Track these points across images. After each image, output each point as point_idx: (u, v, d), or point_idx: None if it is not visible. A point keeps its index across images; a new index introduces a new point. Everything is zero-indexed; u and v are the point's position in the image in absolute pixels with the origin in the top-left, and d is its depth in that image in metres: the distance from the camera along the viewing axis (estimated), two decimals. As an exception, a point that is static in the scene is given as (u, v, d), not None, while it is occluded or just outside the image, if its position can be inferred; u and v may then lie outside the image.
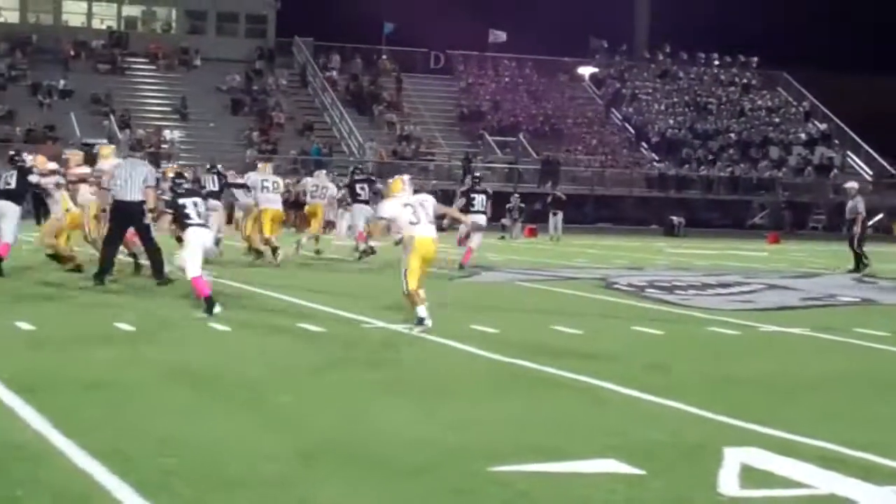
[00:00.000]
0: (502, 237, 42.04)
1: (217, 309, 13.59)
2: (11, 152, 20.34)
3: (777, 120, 68.03)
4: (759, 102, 69.43)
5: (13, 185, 18.02)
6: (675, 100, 68.38)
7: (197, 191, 16.05)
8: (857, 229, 26.33)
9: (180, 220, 14.49)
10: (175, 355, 10.79)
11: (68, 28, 62.46)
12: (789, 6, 70.57)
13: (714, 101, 68.74)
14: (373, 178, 29.81)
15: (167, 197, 15.76)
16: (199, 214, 14.40)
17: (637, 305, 17.27)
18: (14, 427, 7.47)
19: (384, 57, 65.49)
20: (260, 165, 25.94)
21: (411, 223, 13.60)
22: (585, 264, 26.87)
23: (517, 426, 8.03)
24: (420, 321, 13.21)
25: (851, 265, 26.25)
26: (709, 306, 17.24)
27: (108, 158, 19.16)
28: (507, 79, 67.42)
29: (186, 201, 14.43)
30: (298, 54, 64.47)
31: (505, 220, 44.15)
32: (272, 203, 23.44)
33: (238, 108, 58.97)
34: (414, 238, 13.44)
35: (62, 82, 56.90)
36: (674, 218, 52.03)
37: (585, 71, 67.43)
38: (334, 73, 63.36)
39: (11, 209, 18.06)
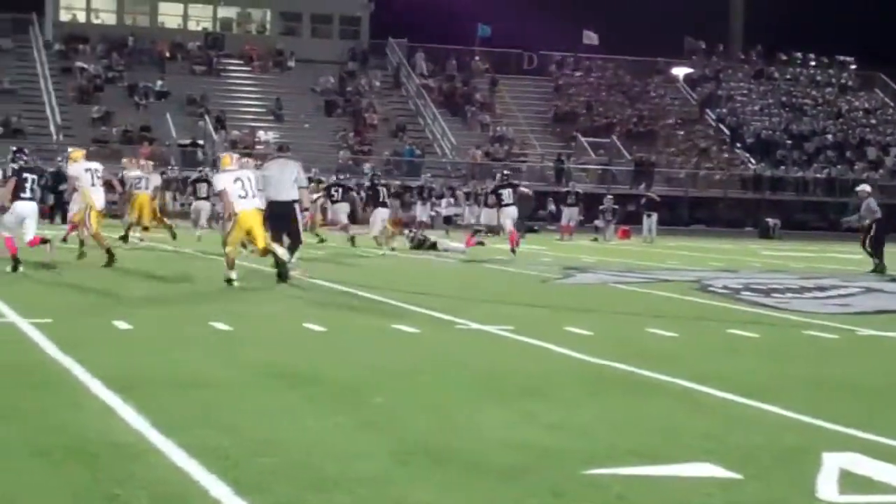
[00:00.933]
0: (595, 239, 41.90)
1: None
2: (13, 149, 20.80)
3: (874, 121, 67.14)
4: (856, 104, 68.56)
5: (38, 189, 19.23)
6: (771, 101, 67.78)
7: None
8: (870, 230, 26.03)
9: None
10: (271, 355, 10.81)
11: (164, 30, 63.25)
12: (886, 6, 69.59)
13: (810, 102, 68.02)
14: (514, 182, 30.53)
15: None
16: None
17: (732, 308, 17.09)
18: (113, 425, 7.51)
19: (477, 58, 65.51)
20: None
21: (240, 196, 17.04)
22: (679, 266, 26.69)
23: (612, 429, 7.96)
24: (228, 281, 16.93)
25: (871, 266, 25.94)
26: (806, 310, 17.01)
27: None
28: (600, 80, 67.15)
29: None
30: (392, 55, 64.70)
31: (598, 222, 44.00)
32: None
33: (332, 109, 59.31)
34: (238, 212, 16.99)
35: (158, 83, 57.63)
36: (769, 220, 51.59)
37: (680, 71, 67.01)
38: (427, 74, 63.49)
39: (36, 211, 19.03)
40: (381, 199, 28.37)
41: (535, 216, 46.78)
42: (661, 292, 19.40)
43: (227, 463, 6.57)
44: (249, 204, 17.26)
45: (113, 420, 7.69)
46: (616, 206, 44.83)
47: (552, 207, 49.85)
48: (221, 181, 17.66)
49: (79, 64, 58.25)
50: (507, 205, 28.51)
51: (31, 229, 18.55)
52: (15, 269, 18.02)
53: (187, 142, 52.10)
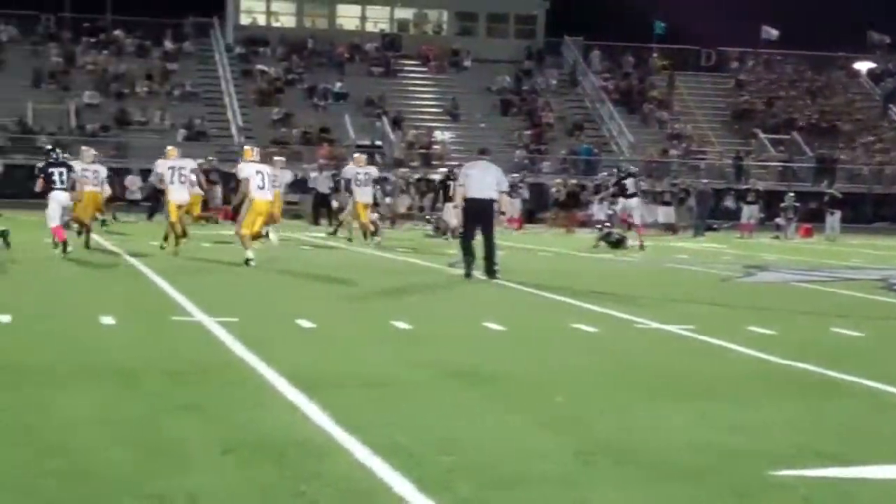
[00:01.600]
0: (776, 237, 41.27)
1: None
2: (48, 146, 23.85)
3: None
4: None
5: (66, 180, 21.08)
6: (958, 95, 65.81)
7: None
8: None
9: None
10: (451, 354, 10.87)
11: (343, 32, 64.04)
12: None
13: None
14: (633, 171, 31.28)
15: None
16: None
17: (920, 307, 16.69)
18: (298, 423, 7.65)
19: (654, 55, 65.01)
20: (356, 156, 29.05)
21: (258, 187, 19.92)
22: (863, 265, 26.16)
23: (796, 430, 7.83)
24: (247, 261, 19.52)
25: None
26: None
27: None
28: (780, 75, 66.06)
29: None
30: (568, 54, 64.55)
31: (779, 220, 43.32)
32: (365, 195, 27.63)
33: (507, 108, 59.43)
34: (254, 199, 19.89)
35: (337, 85, 58.38)
36: (954, 217, 50.24)
37: (862, 66, 65.55)
38: (603, 72, 63.24)
39: (67, 198, 21.24)
40: (630, 192, 29.57)
41: (713, 214, 46.24)
42: (845, 291, 19.02)
43: (410, 461, 6.62)
44: (264, 195, 20.10)
45: (298, 418, 7.82)
46: (797, 204, 44.07)
47: (731, 205, 49.27)
48: (246, 170, 20.11)
49: (259, 67, 59.32)
50: (631, 195, 29.25)
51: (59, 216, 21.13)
52: (64, 250, 20.56)
53: (366, 143, 52.68)
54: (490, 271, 18.40)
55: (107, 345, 10.92)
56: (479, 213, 18.60)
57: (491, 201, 18.53)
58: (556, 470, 6.59)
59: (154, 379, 9.08)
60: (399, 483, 6.21)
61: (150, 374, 9.24)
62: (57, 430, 7.29)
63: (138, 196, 41.61)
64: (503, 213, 18.89)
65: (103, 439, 7.08)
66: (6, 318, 12.16)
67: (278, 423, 7.66)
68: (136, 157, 45.15)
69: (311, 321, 12.69)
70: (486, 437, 7.40)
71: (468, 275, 18.52)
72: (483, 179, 18.54)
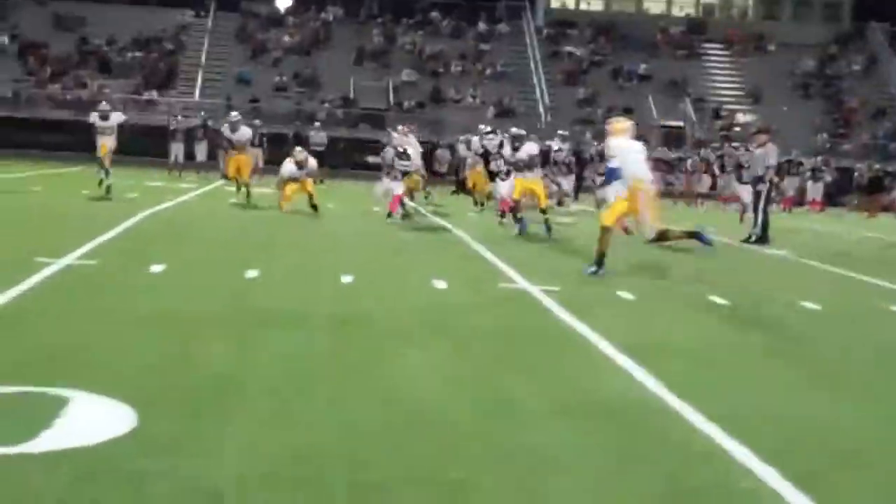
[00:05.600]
0: None
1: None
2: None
3: None
4: None
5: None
6: None
7: None
8: None
9: None
10: (772, 335, 10.87)
11: (649, 16, 65.08)
12: None
13: None
14: None
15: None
16: None
17: None
18: (633, 387, 7.88)
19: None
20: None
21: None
22: None
23: None
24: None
25: None
26: None
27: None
28: None
29: None
30: (873, 39, 64.09)
31: None
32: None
33: (810, 92, 59.60)
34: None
35: (642, 67, 59.37)
36: None
37: None
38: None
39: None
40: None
41: None
42: None
43: (745, 429, 6.72)
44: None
45: (630, 382, 8.03)
46: None
47: None
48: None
49: (567, 48, 60.45)
50: None
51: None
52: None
53: (671, 123, 54.07)
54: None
55: (440, 306, 11.41)
56: None
57: None
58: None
59: (485, 341, 9.43)
60: (736, 449, 6.33)
61: (480, 336, 9.62)
62: (403, 380, 7.75)
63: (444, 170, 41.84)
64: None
65: (443, 393, 7.46)
66: (348, 278, 12.92)
67: (613, 386, 7.87)
68: (448, 132, 46.18)
69: (631, 294, 12.85)
70: (813, 413, 7.52)
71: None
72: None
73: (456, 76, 57.62)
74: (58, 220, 19.13)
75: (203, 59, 57.21)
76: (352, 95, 54.62)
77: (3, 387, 6.90)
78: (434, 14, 61.91)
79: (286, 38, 58.96)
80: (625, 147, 14.88)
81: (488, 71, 58.06)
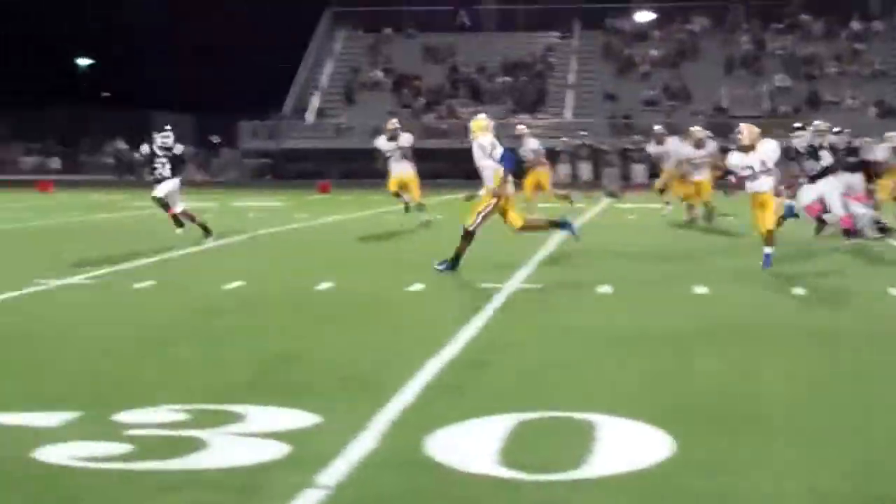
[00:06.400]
0: None
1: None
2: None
3: None
4: None
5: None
6: None
7: None
8: None
9: None
10: None
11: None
12: None
13: None
14: None
15: None
16: None
17: None
18: None
19: None
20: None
21: None
22: None
23: None
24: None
25: None
26: None
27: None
28: None
29: None
30: None
31: None
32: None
33: None
34: None
35: None
36: None
37: None
38: None
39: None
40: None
41: None
42: None
43: None
44: None
45: None
46: None
47: None
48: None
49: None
50: None
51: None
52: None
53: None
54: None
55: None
56: None
57: None
58: None
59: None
60: None
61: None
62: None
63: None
64: None
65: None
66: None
67: None
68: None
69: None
70: None
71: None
72: None
73: (832, 78, 55.85)
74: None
75: (572, 78, 57.37)
76: (724, 104, 53.65)
77: (526, 413, 6.78)
78: (804, 17, 60.26)
79: (653, 52, 58.59)
80: None
81: (866, 70, 56.04)
